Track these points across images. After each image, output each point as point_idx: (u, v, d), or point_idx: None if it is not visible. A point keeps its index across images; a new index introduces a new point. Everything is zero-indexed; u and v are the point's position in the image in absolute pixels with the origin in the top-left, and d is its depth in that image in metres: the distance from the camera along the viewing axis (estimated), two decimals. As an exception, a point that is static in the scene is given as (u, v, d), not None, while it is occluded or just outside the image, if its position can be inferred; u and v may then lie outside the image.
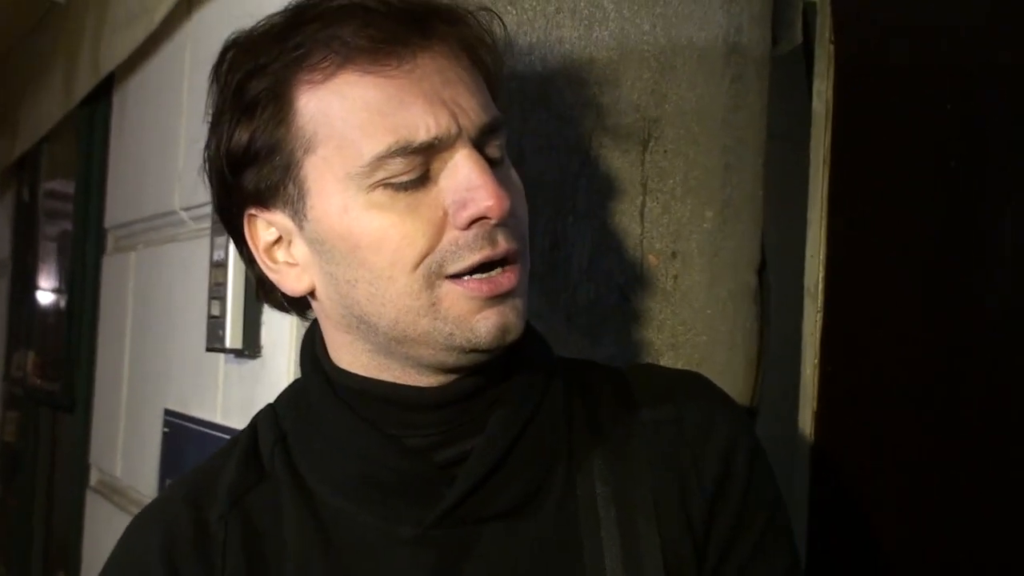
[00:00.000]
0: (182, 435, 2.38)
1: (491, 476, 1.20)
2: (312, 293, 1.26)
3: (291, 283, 1.26)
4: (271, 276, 1.27)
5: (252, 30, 1.23)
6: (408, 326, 1.18)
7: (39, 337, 3.77)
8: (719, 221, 1.71)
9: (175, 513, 1.24)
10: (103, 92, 3.23)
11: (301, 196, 1.21)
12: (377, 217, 1.17)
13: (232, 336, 1.98)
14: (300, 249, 1.24)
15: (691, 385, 1.34)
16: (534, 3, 1.62)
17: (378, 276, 1.18)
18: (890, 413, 1.75)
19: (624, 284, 1.67)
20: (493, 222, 1.15)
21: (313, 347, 1.31)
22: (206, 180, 1.30)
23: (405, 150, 1.14)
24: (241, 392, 2.04)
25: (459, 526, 1.20)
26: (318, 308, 1.28)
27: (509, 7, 1.60)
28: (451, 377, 1.22)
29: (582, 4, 1.64)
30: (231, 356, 2.08)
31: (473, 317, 1.16)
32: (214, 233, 2.07)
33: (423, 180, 1.16)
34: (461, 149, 1.16)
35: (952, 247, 1.74)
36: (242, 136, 1.21)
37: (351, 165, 1.16)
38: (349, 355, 1.26)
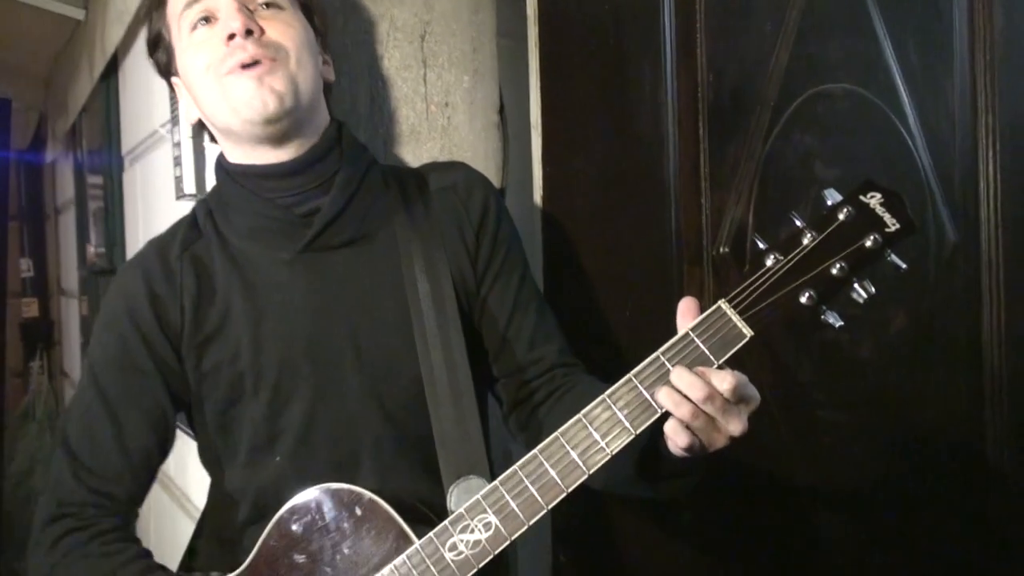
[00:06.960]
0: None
1: (335, 220, 1.22)
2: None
3: (190, 116, 1.31)
4: (184, 117, 1.32)
5: None
6: (222, 115, 1.21)
7: (95, 233, 3.61)
8: (473, 82, 1.73)
9: (149, 258, 1.27)
10: (112, 71, 3.10)
11: (171, 59, 1.27)
12: (190, 49, 1.22)
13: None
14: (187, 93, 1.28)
15: (460, 168, 1.38)
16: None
17: (198, 87, 1.22)
18: (590, 188, 1.71)
19: (417, 124, 1.69)
20: (240, 38, 1.18)
21: (219, 158, 1.32)
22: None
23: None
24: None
25: (318, 251, 1.23)
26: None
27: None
28: (288, 153, 1.23)
29: (376, -50, 1.64)
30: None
31: (243, 98, 1.18)
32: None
33: (211, 21, 1.21)
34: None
35: (615, 98, 1.66)
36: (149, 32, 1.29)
37: (175, 24, 1.23)
38: (230, 153, 1.28)
